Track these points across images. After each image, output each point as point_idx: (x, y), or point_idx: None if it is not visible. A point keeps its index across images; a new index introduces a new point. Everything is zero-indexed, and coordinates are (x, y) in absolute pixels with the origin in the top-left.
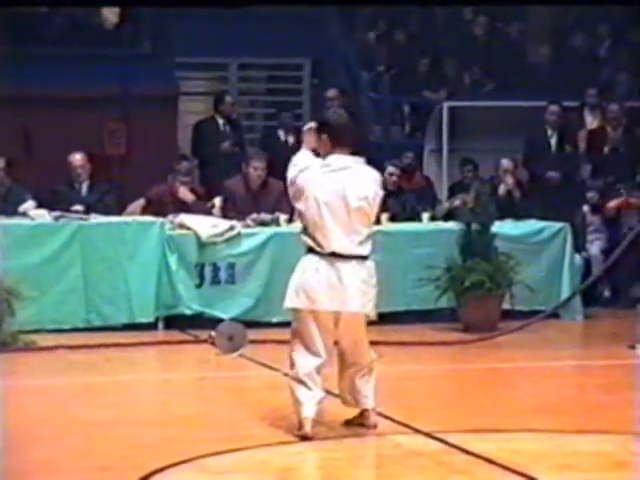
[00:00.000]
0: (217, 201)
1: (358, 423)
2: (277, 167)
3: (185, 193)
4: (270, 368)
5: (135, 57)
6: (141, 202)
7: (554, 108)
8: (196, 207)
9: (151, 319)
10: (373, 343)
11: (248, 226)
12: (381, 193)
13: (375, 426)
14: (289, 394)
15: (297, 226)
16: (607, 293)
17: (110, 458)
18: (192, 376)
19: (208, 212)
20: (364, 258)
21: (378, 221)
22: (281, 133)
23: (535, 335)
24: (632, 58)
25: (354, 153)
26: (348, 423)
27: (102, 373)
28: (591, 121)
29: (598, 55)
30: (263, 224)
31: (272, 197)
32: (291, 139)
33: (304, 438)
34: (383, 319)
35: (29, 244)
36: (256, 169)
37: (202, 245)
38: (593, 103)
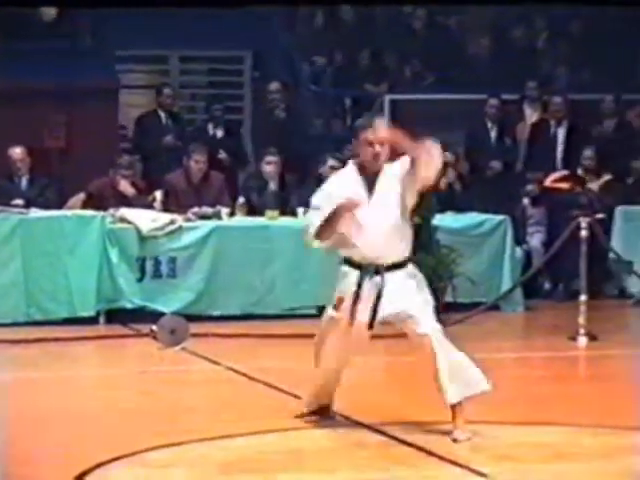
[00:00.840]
0: (158, 195)
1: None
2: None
3: (126, 187)
4: (212, 362)
5: (75, 51)
6: (82, 196)
7: (494, 101)
8: (137, 201)
9: (92, 313)
10: (310, 336)
11: (189, 220)
12: None
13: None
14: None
15: (239, 219)
16: (547, 285)
17: (51, 452)
18: (134, 370)
19: (149, 206)
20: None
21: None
22: (210, 126)
23: (476, 327)
24: (571, 51)
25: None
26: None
27: (43, 368)
28: (531, 114)
29: (536, 48)
30: (204, 217)
31: (213, 190)
32: (220, 132)
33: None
34: (321, 312)
35: None
36: (197, 162)
37: (143, 239)
38: (533, 96)
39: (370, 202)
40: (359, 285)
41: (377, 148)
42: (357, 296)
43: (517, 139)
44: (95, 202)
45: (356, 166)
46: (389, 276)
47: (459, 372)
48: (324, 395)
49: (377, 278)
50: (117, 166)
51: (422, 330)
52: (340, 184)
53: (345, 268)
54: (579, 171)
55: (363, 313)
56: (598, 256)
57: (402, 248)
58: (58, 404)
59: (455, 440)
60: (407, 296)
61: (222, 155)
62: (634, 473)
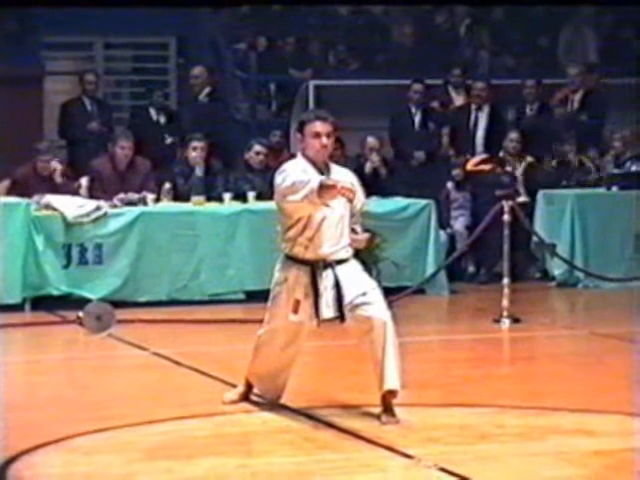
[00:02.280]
0: (83, 181)
1: None
2: (147, 146)
3: (56, 172)
4: (138, 347)
5: (0, 37)
6: (6, 183)
7: (417, 86)
8: (63, 188)
9: (18, 300)
10: (242, 322)
11: (115, 206)
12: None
13: None
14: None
15: (165, 205)
16: (471, 268)
17: None
18: (60, 357)
19: (75, 192)
20: None
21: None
22: (152, 112)
23: (401, 311)
24: (491, 37)
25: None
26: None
27: None
28: (456, 98)
29: (459, 34)
30: (130, 204)
31: (139, 176)
32: (162, 119)
33: None
34: (252, 297)
35: None
36: (123, 148)
37: (69, 226)
38: (457, 82)
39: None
40: (314, 282)
41: (324, 140)
42: (317, 293)
43: (441, 124)
44: (20, 189)
45: (305, 159)
46: (339, 268)
47: (398, 359)
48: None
49: (329, 271)
50: (36, 151)
51: (378, 315)
52: (301, 169)
53: (293, 268)
54: (501, 154)
55: (322, 309)
56: (521, 239)
57: (348, 247)
58: None
59: (384, 423)
60: (361, 282)
61: (169, 140)
62: (557, 453)
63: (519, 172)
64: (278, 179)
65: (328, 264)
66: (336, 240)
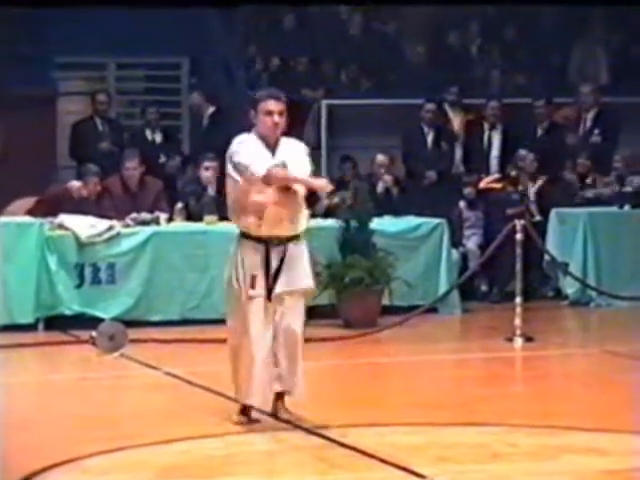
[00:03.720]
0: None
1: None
2: (147, 166)
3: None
4: (151, 367)
5: (12, 58)
6: (29, 200)
7: (430, 106)
8: (94, 208)
9: (31, 320)
10: None
11: (128, 226)
12: None
13: None
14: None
15: (178, 224)
16: (484, 287)
17: None
18: (73, 377)
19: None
20: None
21: None
22: (148, 132)
23: (414, 330)
24: (503, 56)
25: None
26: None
27: None
28: (453, 117)
29: (471, 53)
30: (143, 223)
31: (151, 196)
32: (158, 137)
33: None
34: None
35: None
36: (127, 169)
37: (82, 245)
38: (453, 100)
39: None
40: (267, 259)
41: (276, 118)
42: (268, 269)
43: (454, 143)
44: (47, 207)
45: (256, 135)
46: (291, 247)
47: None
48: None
49: (281, 247)
50: (85, 173)
51: (298, 328)
52: (252, 148)
53: (247, 244)
54: (513, 173)
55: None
56: (534, 258)
57: (301, 223)
58: None
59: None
60: (302, 277)
61: (163, 160)
62: (570, 472)
63: (532, 191)
64: (233, 148)
65: (281, 241)
66: (291, 218)
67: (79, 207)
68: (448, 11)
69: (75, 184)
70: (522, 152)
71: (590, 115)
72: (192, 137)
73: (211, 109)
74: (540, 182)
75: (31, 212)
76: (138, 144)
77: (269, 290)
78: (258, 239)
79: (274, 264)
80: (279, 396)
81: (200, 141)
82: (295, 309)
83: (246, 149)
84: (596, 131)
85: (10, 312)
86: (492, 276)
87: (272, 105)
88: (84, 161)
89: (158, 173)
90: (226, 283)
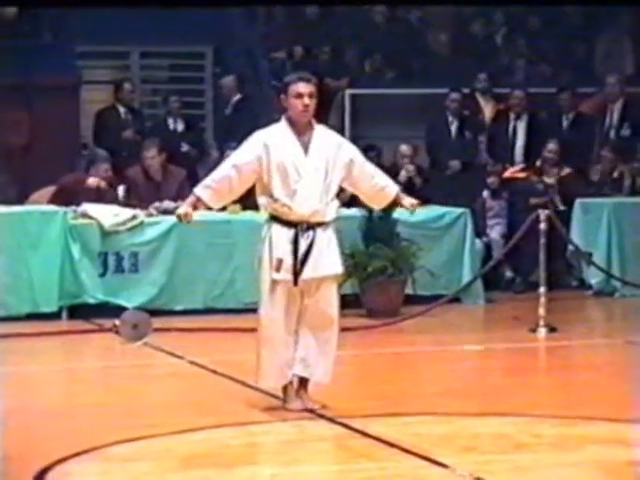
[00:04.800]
0: (120, 190)
1: None
2: (171, 155)
3: (98, 181)
4: (175, 356)
5: (36, 47)
6: (49, 190)
7: (455, 95)
8: (108, 195)
9: (54, 309)
10: None
11: (151, 215)
12: None
13: None
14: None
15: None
16: (508, 277)
17: (12, 448)
18: (97, 365)
19: (117, 200)
20: None
21: None
22: (170, 121)
23: (437, 319)
24: (528, 46)
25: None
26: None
27: (5, 363)
28: (484, 105)
29: (495, 42)
30: (166, 212)
31: (174, 185)
32: (180, 126)
33: None
34: None
35: None
36: (146, 159)
37: (105, 234)
38: (484, 88)
39: (306, 161)
40: (295, 243)
41: (306, 100)
42: (296, 253)
43: (478, 132)
44: (65, 196)
45: (287, 122)
46: (319, 232)
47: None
48: (275, 369)
49: (310, 233)
50: (94, 159)
51: (332, 313)
52: (275, 138)
53: (276, 227)
54: (538, 163)
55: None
56: (557, 248)
57: (331, 210)
58: (20, 400)
59: (312, 410)
60: (332, 263)
61: (185, 148)
62: (593, 463)
63: (555, 181)
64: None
65: (310, 226)
66: (318, 199)
67: (97, 196)
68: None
69: (90, 181)
70: (550, 143)
71: (617, 106)
72: (216, 126)
73: (237, 97)
74: (564, 172)
75: (52, 201)
76: (160, 133)
77: (295, 274)
78: (287, 223)
79: (302, 248)
80: (302, 383)
81: (224, 129)
82: (328, 295)
83: (243, 148)
84: (625, 124)
85: (34, 301)
86: (516, 266)
87: (302, 87)
88: (108, 149)
89: (180, 162)
90: (256, 268)
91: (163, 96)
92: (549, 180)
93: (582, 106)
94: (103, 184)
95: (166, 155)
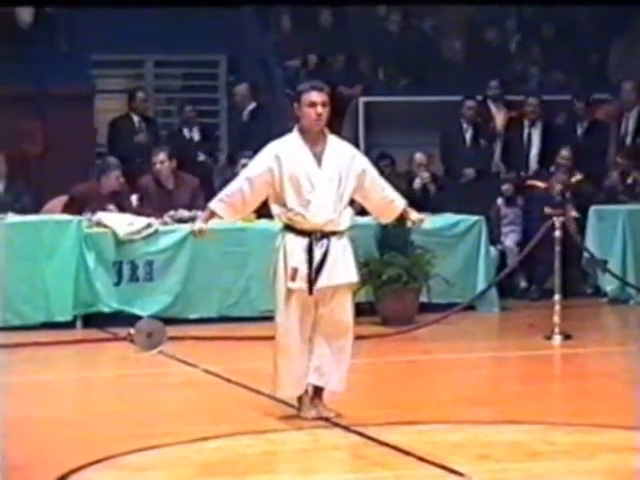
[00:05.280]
0: (133, 198)
1: None
2: (185, 164)
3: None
4: (189, 365)
5: (51, 56)
6: (62, 199)
7: (470, 103)
8: (123, 198)
9: (69, 317)
10: None
11: (166, 223)
12: None
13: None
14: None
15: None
16: (523, 285)
17: (28, 457)
18: (111, 374)
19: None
20: None
21: None
22: (185, 130)
23: (452, 327)
24: (542, 53)
25: None
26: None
27: (21, 372)
28: (496, 113)
29: (509, 50)
30: (181, 221)
31: (187, 193)
32: (196, 135)
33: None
34: None
35: None
36: (155, 164)
37: (120, 243)
38: (495, 95)
39: (319, 172)
40: (310, 251)
41: (319, 109)
42: (311, 262)
43: (492, 140)
44: (77, 205)
45: (299, 132)
46: (334, 241)
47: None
48: (292, 378)
49: (324, 241)
50: (105, 167)
51: (347, 321)
52: (287, 149)
53: (290, 236)
54: (552, 169)
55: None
56: (572, 255)
57: (345, 218)
58: (35, 408)
59: (327, 418)
60: (347, 271)
61: (202, 158)
62: (608, 471)
63: (568, 188)
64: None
65: (324, 235)
66: (332, 208)
67: (109, 203)
68: (485, 7)
69: (102, 187)
70: (564, 150)
71: (633, 113)
72: (230, 134)
73: (252, 105)
74: (577, 178)
75: (64, 210)
76: (175, 142)
77: (310, 283)
78: (301, 232)
79: (317, 257)
80: (317, 392)
81: (239, 138)
82: (344, 303)
83: (255, 160)
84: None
85: (49, 309)
86: (530, 273)
87: (315, 96)
88: (122, 158)
89: (195, 171)
90: (271, 277)
91: (178, 105)
92: (564, 189)
93: (599, 113)
94: (117, 187)
95: (177, 162)
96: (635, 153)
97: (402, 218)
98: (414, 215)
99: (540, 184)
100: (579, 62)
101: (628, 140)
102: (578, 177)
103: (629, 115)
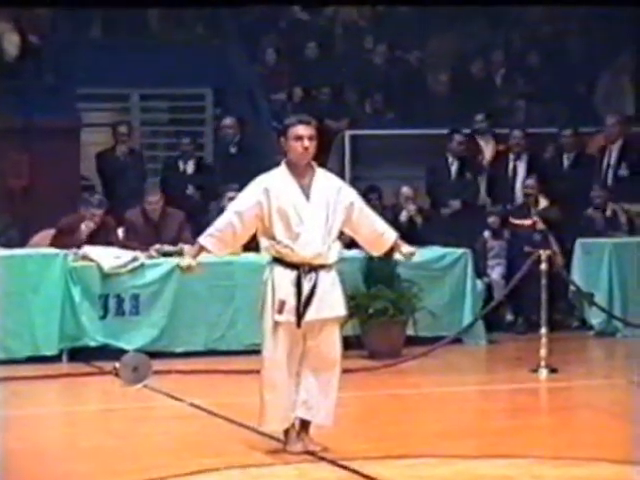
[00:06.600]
0: (120, 232)
1: None
2: (177, 198)
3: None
4: (175, 398)
5: (37, 89)
6: (48, 233)
7: (459, 137)
8: (101, 237)
9: (55, 351)
10: None
11: (152, 257)
12: None
13: None
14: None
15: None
16: (509, 318)
17: None
18: (97, 408)
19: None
20: None
21: None
22: (180, 163)
23: (439, 361)
24: (528, 85)
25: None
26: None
27: (6, 407)
28: (484, 146)
29: (494, 83)
30: (167, 254)
31: (173, 228)
32: (190, 168)
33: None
34: None
35: None
36: (150, 204)
37: (106, 276)
38: (481, 129)
39: (307, 205)
40: (298, 284)
41: (306, 143)
42: (299, 295)
43: (478, 173)
44: (64, 238)
45: (287, 166)
46: (322, 275)
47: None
48: (279, 412)
49: (312, 275)
50: (88, 204)
51: (335, 355)
52: (276, 182)
53: (278, 269)
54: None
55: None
56: (559, 288)
57: (333, 252)
58: (21, 442)
59: (314, 452)
60: (335, 305)
61: (190, 191)
62: None
63: (536, 215)
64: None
65: (313, 268)
66: (321, 241)
67: (94, 238)
68: (471, 40)
69: (84, 227)
70: (528, 181)
71: (615, 146)
72: (216, 167)
73: (237, 137)
74: (543, 205)
75: (53, 243)
76: (168, 174)
77: (299, 316)
78: (290, 265)
79: (305, 290)
80: (304, 426)
81: (225, 171)
82: (331, 337)
83: (244, 194)
84: (623, 164)
85: (35, 343)
86: (517, 307)
87: (302, 130)
88: (108, 191)
89: (183, 204)
90: (259, 310)
91: (165, 139)
92: (546, 230)
93: (589, 147)
94: (92, 225)
95: (165, 197)
96: (613, 186)
97: (392, 250)
98: (405, 248)
99: (526, 222)
100: (565, 95)
101: (610, 173)
102: (544, 204)
103: (612, 148)
